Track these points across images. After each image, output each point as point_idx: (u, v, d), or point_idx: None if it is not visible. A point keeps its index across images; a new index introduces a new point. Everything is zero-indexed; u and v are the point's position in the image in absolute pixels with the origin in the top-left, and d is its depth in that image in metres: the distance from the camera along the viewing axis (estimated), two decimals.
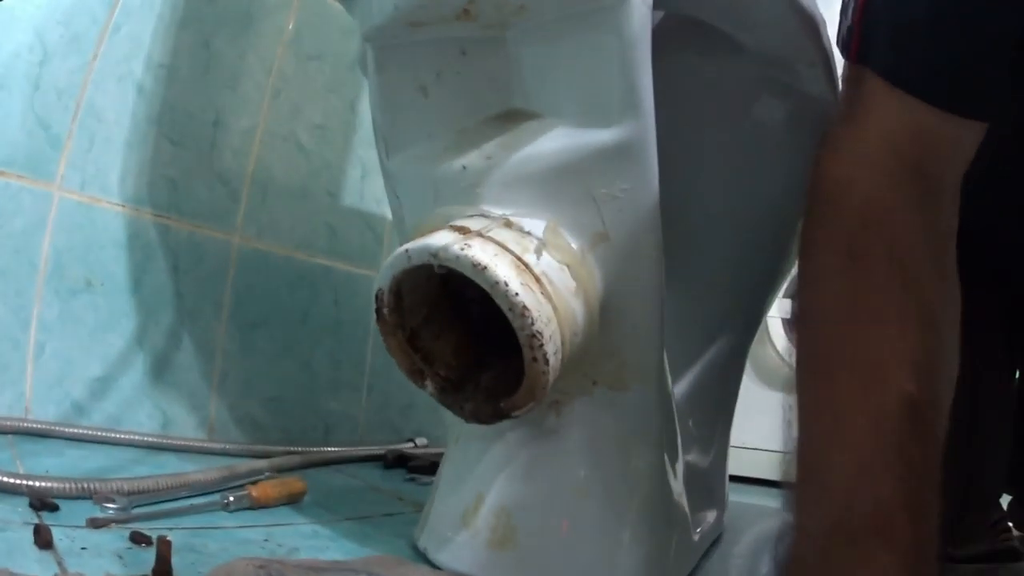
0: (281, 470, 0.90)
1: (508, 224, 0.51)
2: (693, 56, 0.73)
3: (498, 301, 0.47)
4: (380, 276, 0.54)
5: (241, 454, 0.99)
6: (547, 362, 0.48)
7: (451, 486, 0.66)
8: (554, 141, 0.53)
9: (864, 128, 0.52)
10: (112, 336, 0.93)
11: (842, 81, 0.59)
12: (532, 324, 0.46)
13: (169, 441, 0.95)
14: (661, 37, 0.64)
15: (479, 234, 0.49)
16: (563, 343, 0.49)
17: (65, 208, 0.90)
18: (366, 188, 1.22)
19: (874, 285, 0.46)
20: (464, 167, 0.55)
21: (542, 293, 0.47)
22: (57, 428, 0.88)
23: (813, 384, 0.47)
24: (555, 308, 0.48)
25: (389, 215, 1.18)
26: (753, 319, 0.93)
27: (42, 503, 0.63)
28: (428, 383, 0.58)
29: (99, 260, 0.92)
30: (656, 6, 0.55)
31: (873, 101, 0.53)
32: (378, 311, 0.56)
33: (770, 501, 1.30)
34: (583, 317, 0.51)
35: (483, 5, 0.54)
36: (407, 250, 0.51)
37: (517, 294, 0.46)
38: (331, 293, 1.16)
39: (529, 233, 0.51)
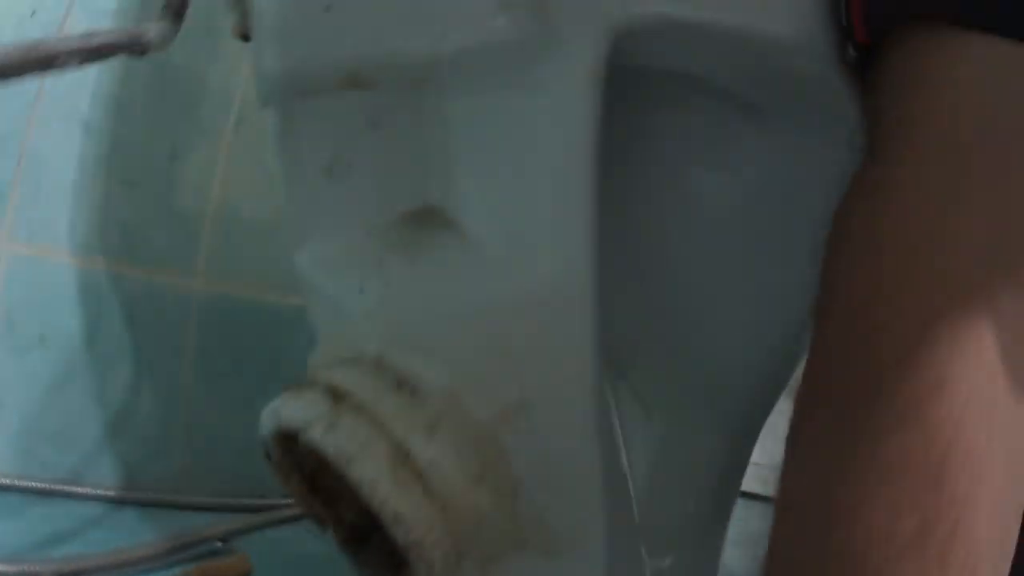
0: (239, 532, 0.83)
1: (400, 385, 0.41)
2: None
3: (368, 502, 0.37)
4: (261, 423, 0.45)
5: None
6: (432, 568, 0.38)
7: None
8: (464, 271, 0.42)
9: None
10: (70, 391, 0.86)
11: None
12: (408, 534, 0.37)
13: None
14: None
15: (356, 406, 0.39)
16: (458, 536, 0.39)
17: (15, 263, 0.82)
18: None
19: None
20: (362, 289, 0.45)
21: (424, 493, 0.38)
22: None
23: None
24: (443, 507, 0.38)
25: None
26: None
27: None
28: (329, 530, 0.49)
29: (53, 315, 0.84)
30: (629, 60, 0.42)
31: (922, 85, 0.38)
32: (266, 456, 0.47)
33: None
34: (489, 501, 0.41)
35: (374, 73, 0.42)
36: (276, 411, 0.41)
37: (387, 500, 0.36)
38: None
39: (426, 399, 0.40)
